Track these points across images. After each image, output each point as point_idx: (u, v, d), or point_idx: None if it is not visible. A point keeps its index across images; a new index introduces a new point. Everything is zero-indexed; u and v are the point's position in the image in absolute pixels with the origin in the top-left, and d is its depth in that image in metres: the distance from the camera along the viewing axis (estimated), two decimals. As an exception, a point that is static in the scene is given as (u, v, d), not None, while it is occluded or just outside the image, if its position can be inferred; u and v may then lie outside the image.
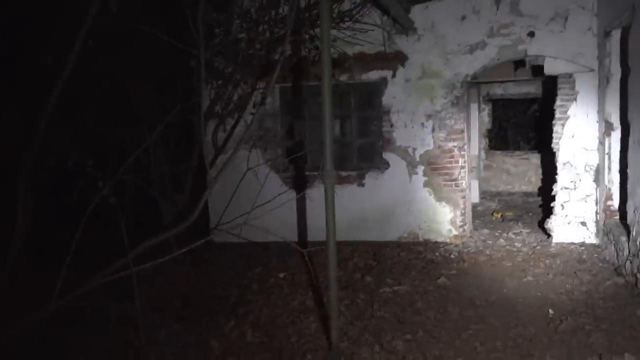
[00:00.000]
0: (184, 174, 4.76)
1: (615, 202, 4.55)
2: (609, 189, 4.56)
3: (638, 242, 3.54)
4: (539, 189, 7.74)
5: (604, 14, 4.50)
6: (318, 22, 4.42)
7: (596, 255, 4.58)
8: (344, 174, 5.36)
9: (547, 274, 4.06)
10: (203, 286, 4.04)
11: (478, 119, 7.74)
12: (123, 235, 2.40)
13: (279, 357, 2.64)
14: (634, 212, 3.63)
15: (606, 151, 4.55)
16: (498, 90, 8.15)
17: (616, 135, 4.40)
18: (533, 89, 7.86)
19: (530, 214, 6.50)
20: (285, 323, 3.16)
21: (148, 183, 4.52)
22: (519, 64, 5.73)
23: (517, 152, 8.80)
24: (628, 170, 3.83)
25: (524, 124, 9.53)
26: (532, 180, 8.24)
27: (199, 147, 4.29)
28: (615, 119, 4.42)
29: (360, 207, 5.36)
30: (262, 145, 5.44)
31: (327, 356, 2.58)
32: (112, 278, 2.55)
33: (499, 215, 6.48)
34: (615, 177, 4.51)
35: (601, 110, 4.66)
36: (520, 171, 8.42)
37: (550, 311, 3.20)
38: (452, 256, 4.69)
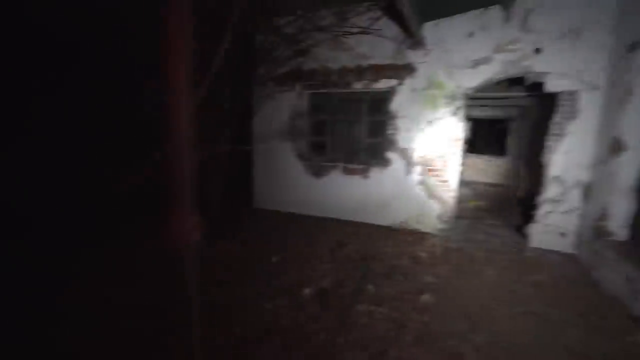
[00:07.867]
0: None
1: (615, 225, 4.00)
2: (605, 209, 4.02)
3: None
4: (502, 182, 10.88)
5: (627, 27, 3.93)
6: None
7: (582, 273, 4.05)
8: (351, 167, 5.72)
9: (547, 311, 3.11)
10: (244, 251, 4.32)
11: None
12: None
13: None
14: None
15: (611, 170, 4.01)
16: (474, 113, 10.26)
17: (628, 155, 3.82)
18: (498, 113, 10.00)
19: (495, 202, 7.93)
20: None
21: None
22: (514, 82, 5.93)
23: (483, 156, 11.67)
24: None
25: (487, 136, 12.67)
26: (491, 175, 11.39)
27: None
28: (630, 138, 3.83)
29: (364, 195, 5.72)
30: (292, 139, 6.07)
31: None
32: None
33: (473, 204, 7.59)
34: (618, 200, 3.95)
35: (608, 128, 4.12)
36: (484, 168, 11.58)
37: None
38: (437, 254, 4.57)
